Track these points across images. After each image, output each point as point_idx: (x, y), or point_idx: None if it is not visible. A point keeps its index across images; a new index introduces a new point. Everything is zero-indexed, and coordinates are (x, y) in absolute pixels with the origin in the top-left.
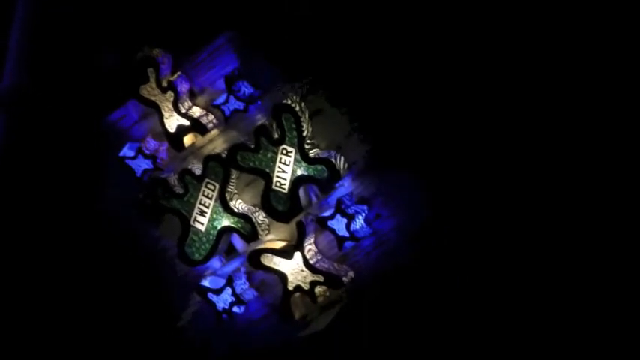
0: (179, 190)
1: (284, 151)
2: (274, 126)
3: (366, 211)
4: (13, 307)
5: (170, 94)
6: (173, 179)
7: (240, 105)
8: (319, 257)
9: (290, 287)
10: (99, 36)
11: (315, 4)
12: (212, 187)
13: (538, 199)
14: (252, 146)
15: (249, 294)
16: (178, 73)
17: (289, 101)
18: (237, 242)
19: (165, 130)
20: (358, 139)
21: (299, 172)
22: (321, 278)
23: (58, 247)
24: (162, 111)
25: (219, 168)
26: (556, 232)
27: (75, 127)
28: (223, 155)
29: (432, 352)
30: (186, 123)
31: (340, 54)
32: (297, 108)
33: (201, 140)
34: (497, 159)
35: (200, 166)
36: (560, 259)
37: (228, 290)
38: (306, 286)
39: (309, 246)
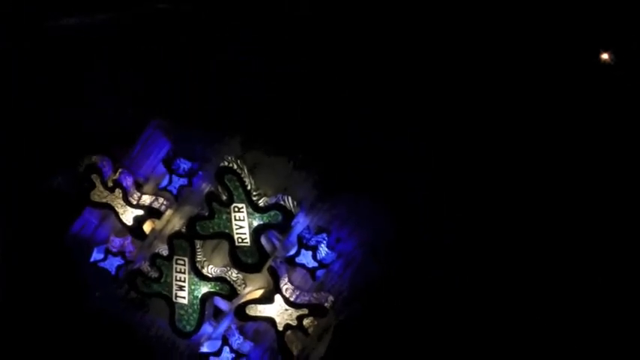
0: (154, 275)
1: (236, 209)
2: (220, 189)
3: (326, 238)
4: None
5: (118, 192)
6: (146, 266)
7: (184, 181)
8: (298, 293)
9: (280, 328)
10: (39, 161)
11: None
12: (182, 262)
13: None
14: (207, 214)
15: (246, 346)
16: (120, 170)
17: (227, 163)
18: (221, 303)
19: (124, 224)
20: (300, 177)
21: (255, 223)
22: (305, 311)
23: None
24: (116, 208)
25: (184, 243)
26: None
27: (44, 249)
28: (184, 230)
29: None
30: (141, 212)
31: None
32: (236, 167)
33: (159, 223)
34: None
35: (166, 246)
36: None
37: (226, 349)
38: (294, 323)
39: (286, 285)
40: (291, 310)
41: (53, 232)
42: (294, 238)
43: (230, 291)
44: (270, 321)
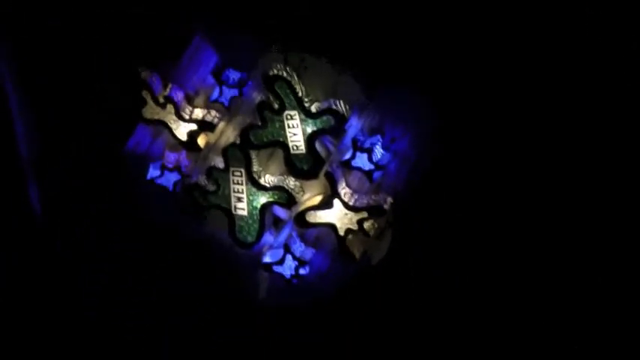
0: (212, 187)
1: (288, 116)
2: (271, 97)
3: (381, 139)
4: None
5: (170, 107)
6: (203, 179)
7: (235, 92)
8: (356, 196)
9: (341, 233)
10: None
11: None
12: (239, 173)
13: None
14: (260, 123)
15: (309, 253)
16: (170, 85)
17: (275, 70)
18: (280, 212)
19: (178, 139)
20: (349, 80)
21: (309, 129)
22: (364, 214)
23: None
24: (169, 124)
25: (239, 153)
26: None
27: (101, 167)
28: (237, 141)
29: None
30: (194, 126)
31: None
32: (285, 73)
33: (213, 136)
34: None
35: (221, 158)
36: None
37: (289, 257)
38: (354, 226)
39: (344, 190)
40: (350, 214)
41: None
42: (348, 141)
43: (288, 199)
44: (331, 226)
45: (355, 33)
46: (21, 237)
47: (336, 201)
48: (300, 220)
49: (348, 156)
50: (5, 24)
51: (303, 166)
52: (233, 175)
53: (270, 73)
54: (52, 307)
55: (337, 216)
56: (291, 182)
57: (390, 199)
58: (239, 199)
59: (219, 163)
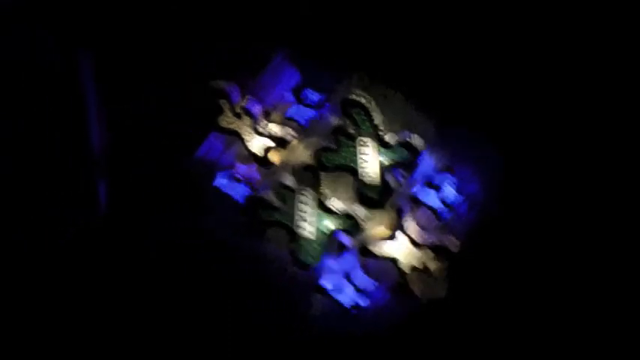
0: (277, 204)
1: (361, 142)
2: (347, 122)
3: (451, 178)
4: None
5: (246, 119)
6: (269, 195)
7: (312, 112)
8: (422, 233)
9: (404, 268)
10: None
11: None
12: (306, 193)
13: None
14: (333, 146)
15: (368, 284)
16: (248, 97)
17: (355, 96)
18: (344, 239)
19: (250, 152)
20: (426, 113)
21: (381, 159)
22: (429, 252)
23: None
24: (243, 135)
25: (309, 174)
26: None
27: (169, 172)
28: (309, 161)
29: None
30: (268, 141)
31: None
32: (364, 100)
33: (285, 153)
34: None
35: (290, 176)
36: None
37: (348, 285)
38: (417, 263)
39: (410, 224)
40: (414, 250)
41: (179, 156)
42: (418, 175)
43: (353, 226)
44: (394, 260)
45: (430, 72)
46: (87, 233)
47: (401, 235)
48: (364, 249)
49: (417, 190)
50: (87, 27)
51: (372, 195)
52: (300, 194)
53: (350, 98)
54: (115, 304)
55: (401, 250)
56: (357, 209)
57: (455, 241)
58: (303, 219)
59: (288, 180)
